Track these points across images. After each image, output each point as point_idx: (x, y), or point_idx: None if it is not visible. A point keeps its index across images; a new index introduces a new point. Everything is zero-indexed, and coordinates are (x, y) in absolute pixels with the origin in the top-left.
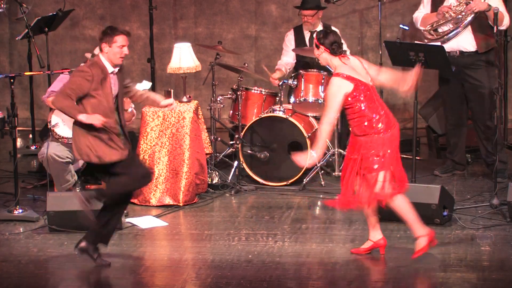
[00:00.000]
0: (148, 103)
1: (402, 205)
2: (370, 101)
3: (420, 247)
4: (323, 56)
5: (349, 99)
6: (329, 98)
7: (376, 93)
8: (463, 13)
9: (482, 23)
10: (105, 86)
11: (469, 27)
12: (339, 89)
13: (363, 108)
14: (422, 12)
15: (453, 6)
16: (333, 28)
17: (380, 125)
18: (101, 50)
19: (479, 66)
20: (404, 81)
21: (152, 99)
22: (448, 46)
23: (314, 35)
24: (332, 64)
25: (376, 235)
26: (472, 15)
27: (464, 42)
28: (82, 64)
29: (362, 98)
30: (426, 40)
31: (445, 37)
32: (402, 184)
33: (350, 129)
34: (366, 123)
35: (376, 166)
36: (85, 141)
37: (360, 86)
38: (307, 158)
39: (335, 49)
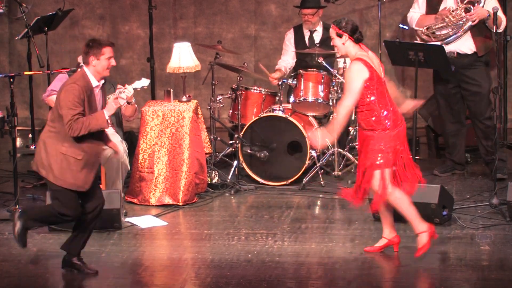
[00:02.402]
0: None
1: (401, 200)
2: (381, 95)
3: (422, 244)
4: (347, 44)
5: (363, 87)
6: (348, 82)
7: (387, 89)
8: (463, 20)
9: (480, 26)
10: (90, 101)
11: (469, 31)
12: (358, 73)
13: (373, 100)
14: (417, 12)
15: (453, 11)
16: None
17: (387, 121)
18: (87, 63)
19: (476, 66)
20: (401, 104)
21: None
22: (446, 48)
23: (333, 26)
24: (352, 53)
25: (389, 232)
26: (472, 23)
27: (463, 45)
28: (66, 79)
29: (374, 91)
30: (419, 40)
31: (445, 40)
32: (410, 185)
33: (358, 123)
34: (374, 118)
35: (378, 162)
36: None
37: (375, 78)
38: (319, 138)
39: (359, 37)
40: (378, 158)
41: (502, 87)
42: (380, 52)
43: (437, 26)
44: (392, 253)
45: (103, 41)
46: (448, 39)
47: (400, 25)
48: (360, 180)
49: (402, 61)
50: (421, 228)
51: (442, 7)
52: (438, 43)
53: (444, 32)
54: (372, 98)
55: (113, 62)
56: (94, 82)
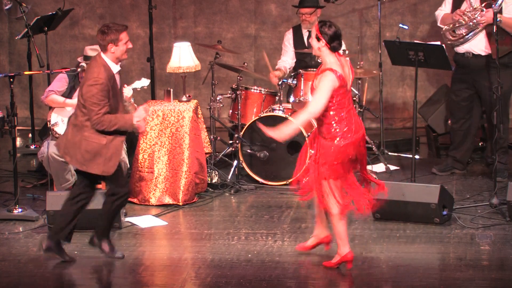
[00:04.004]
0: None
1: (337, 217)
2: (340, 105)
3: (332, 262)
4: (322, 49)
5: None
6: (322, 89)
7: (350, 99)
8: (474, 21)
9: (497, 29)
10: (115, 88)
11: (484, 32)
12: (333, 84)
13: (331, 109)
14: (443, 10)
15: (468, 11)
16: None
17: (338, 130)
18: (105, 50)
19: (492, 68)
20: None
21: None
22: (461, 47)
23: (316, 25)
24: (325, 59)
25: (321, 231)
26: (481, 25)
27: (476, 46)
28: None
29: (335, 101)
30: (448, 41)
31: (461, 39)
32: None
33: (316, 127)
34: (329, 126)
35: (328, 173)
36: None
37: (340, 90)
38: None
39: (336, 46)
40: (327, 168)
41: (502, 87)
42: (380, 51)
43: (456, 25)
44: (392, 253)
45: (117, 26)
46: (466, 37)
47: (400, 25)
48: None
49: (402, 61)
50: (340, 250)
51: (463, 6)
52: (460, 42)
53: (462, 31)
54: (333, 107)
55: (129, 45)
56: (115, 68)
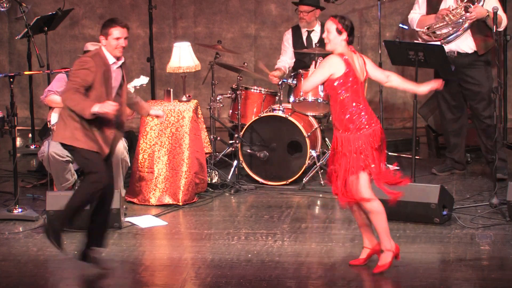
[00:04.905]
0: (135, 109)
1: (377, 211)
2: (355, 94)
3: (384, 262)
4: (341, 43)
5: (335, 84)
6: (319, 68)
7: (363, 91)
8: (463, 18)
9: (480, 25)
10: (106, 78)
11: (469, 29)
12: (330, 66)
13: (346, 98)
14: (418, 13)
15: (452, 9)
16: None
17: (361, 120)
18: (100, 42)
19: (477, 66)
20: (415, 89)
21: (141, 105)
22: (447, 47)
23: (334, 19)
24: (339, 51)
25: (371, 240)
26: (472, 20)
27: (463, 44)
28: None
29: (348, 87)
30: (421, 40)
31: (445, 39)
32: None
33: (332, 123)
34: (347, 116)
35: (356, 165)
36: (72, 125)
37: (350, 76)
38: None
39: (352, 40)
40: (358, 160)
41: (502, 87)
42: (380, 51)
43: (437, 26)
44: None
45: (115, 21)
46: (448, 38)
47: (400, 25)
48: (344, 183)
49: (402, 61)
50: (387, 246)
51: (442, 6)
52: (439, 42)
53: (444, 31)
54: (346, 95)
55: (122, 43)
56: (111, 59)
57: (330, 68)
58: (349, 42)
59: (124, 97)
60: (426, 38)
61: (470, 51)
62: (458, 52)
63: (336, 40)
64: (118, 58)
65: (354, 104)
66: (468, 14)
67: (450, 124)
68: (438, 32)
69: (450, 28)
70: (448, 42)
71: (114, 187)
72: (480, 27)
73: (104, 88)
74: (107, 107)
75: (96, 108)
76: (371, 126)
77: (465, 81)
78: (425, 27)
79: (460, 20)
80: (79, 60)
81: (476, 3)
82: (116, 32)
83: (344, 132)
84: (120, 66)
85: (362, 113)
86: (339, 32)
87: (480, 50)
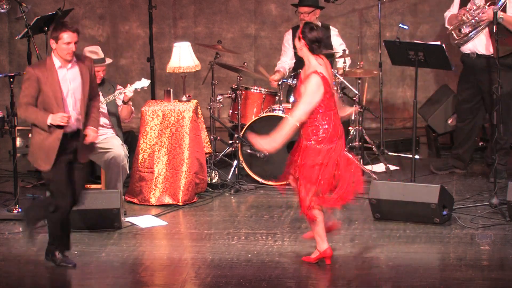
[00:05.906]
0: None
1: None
2: (328, 107)
3: (310, 257)
4: (303, 50)
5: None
6: (309, 94)
7: (334, 101)
8: (476, 19)
9: (500, 28)
10: (51, 82)
11: (486, 31)
12: (319, 88)
13: (320, 113)
14: (451, 11)
15: (469, 9)
16: (331, 27)
17: (323, 134)
18: (51, 46)
19: (495, 68)
20: (340, 109)
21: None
22: (466, 48)
23: (304, 24)
24: (309, 62)
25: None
26: (484, 22)
27: (479, 45)
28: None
29: (324, 103)
30: (454, 41)
31: (465, 38)
32: (339, 198)
33: (300, 130)
34: (313, 129)
35: (309, 177)
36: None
37: (327, 93)
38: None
39: (315, 48)
40: (310, 172)
41: (502, 87)
42: (380, 51)
43: (460, 24)
44: (392, 253)
45: (65, 25)
46: (469, 36)
47: (400, 25)
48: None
49: (402, 61)
50: (322, 248)
51: (468, 5)
52: (465, 40)
53: (466, 30)
54: (320, 110)
55: (72, 47)
56: (57, 63)
57: (320, 89)
58: (312, 51)
59: (84, 100)
60: (455, 38)
61: (487, 53)
62: (477, 54)
63: (297, 46)
64: (69, 61)
65: (323, 118)
66: (481, 15)
67: (463, 122)
68: (462, 31)
69: (469, 28)
70: (469, 40)
71: (79, 196)
72: (500, 30)
73: (51, 93)
74: (58, 120)
75: (49, 120)
76: (333, 142)
77: (483, 84)
78: (452, 26)
79: (473, 21)
80: (24, 72)
81: (493, 6)
82: (66, 36)
83: (306, 141)
84: (79, 67)
85: (328, 129)
86: (299, 38)
87: (495, 53)
